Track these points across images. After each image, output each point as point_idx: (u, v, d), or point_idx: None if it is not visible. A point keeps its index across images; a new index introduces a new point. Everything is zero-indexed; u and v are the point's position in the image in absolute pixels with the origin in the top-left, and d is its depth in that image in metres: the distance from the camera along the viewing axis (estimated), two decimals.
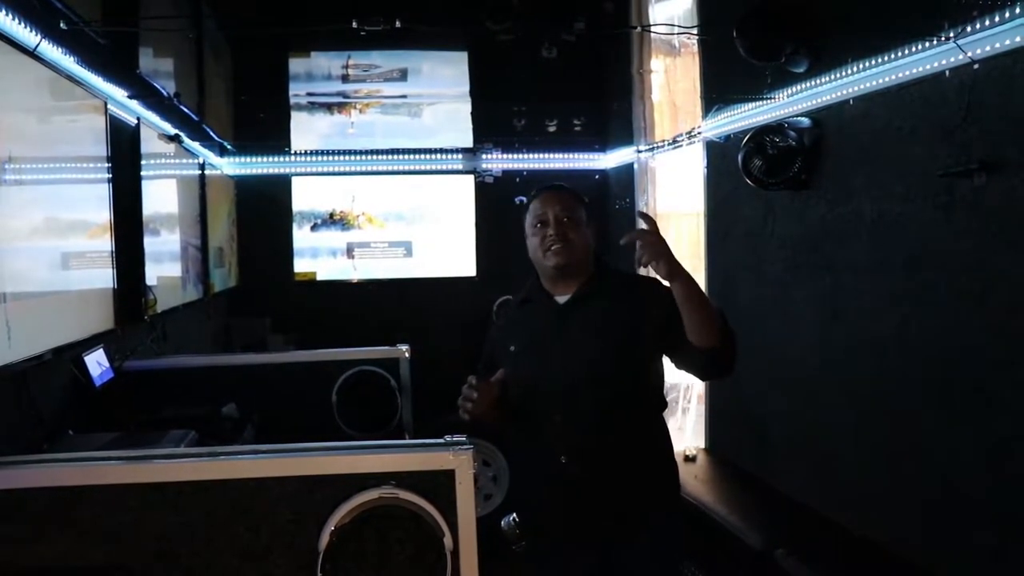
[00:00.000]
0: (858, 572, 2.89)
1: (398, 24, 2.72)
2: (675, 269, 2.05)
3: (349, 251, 6.39)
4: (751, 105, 3.92)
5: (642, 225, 2.09)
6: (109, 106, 3.18)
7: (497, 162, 6.42)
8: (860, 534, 3.14)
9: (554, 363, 2.25)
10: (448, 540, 1.54)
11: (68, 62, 2.89)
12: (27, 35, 2.53)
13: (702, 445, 4.58)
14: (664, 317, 2.24)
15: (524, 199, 2.38)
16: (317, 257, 6.36)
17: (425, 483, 1.56)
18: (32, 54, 2.51)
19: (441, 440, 1.60)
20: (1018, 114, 2.44)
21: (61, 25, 2.82)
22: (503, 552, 2.35)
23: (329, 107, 6.37)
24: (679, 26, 4.96)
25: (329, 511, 1.54)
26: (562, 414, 2.24)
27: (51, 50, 2.73)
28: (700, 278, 4.59)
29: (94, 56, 3.17)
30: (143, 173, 3.62)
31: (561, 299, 2.33)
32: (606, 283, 2.34)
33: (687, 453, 4.34)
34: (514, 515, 2.41)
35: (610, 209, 6.22)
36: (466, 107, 6.41)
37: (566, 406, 2.23)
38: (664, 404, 2.41)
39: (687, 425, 5.07)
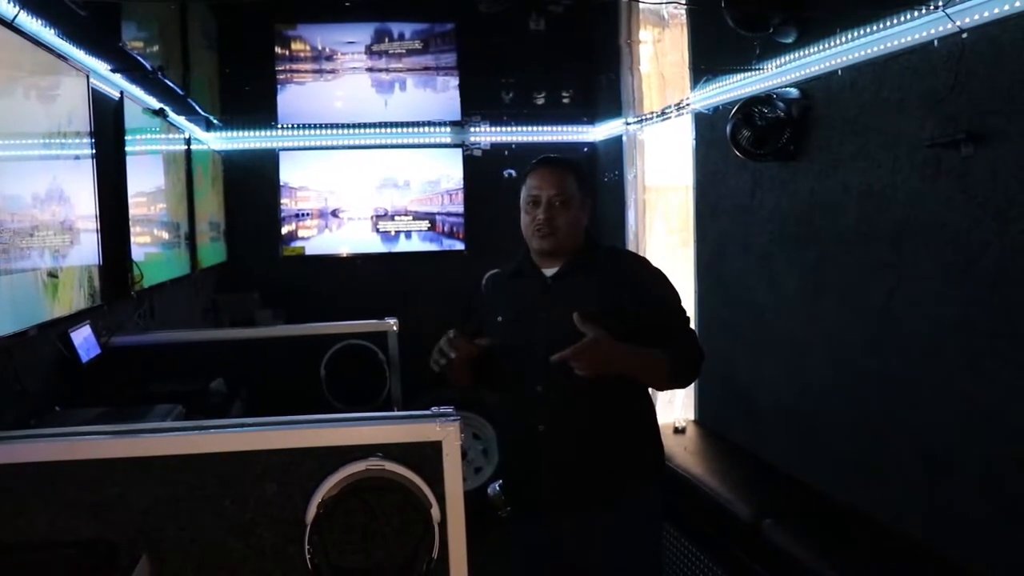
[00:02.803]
0: (846, 542, 2.91)
1: None
2: (617, 368, 2.16)
3: (338, 225, 6.35)
4: (739, 76, 3.89)
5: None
6: (91, 79, 3.14)
7: (485, 135, 6.36)
8: (848, 505, 3.17)
9: (538, 335, 2.29)
10: (435, 511, 1.55)
11: (48, 34, 2.84)
12: (4, 6, 2.49)
13: (691, 417, 4.60)
14: (650, 300, 2.27)
15: (513, 172, 2.40)
16: (305, 231, 6.32)
17: (412, 455, 1.55)
18: (10, 25, 2.46)
19: (428, 412, 1.60)
20: (1006, 84, 2.43)
21: None
22: (492, 521, 2.37)
23: (316, 80, 6.31)
24: None
25: (316, 484, 1.53)
26: (543, 385, 2.28)
27: (30, 22, 2.68)
28: (689, 252, 4.60)
29: (75, 28, 3.12)
30: (128, 148, 3.58)
31: (548, 272, 2.36)
32: (593, 258, 2.36)
33: (676, 425, 4.36)
34: (500, 482, 2.45)
35: (599, 182, 6.19)
36: (454, 80, 6.36)
37: (548, 377, 2.26)
38: None
39: (676, 397, 5.09)
